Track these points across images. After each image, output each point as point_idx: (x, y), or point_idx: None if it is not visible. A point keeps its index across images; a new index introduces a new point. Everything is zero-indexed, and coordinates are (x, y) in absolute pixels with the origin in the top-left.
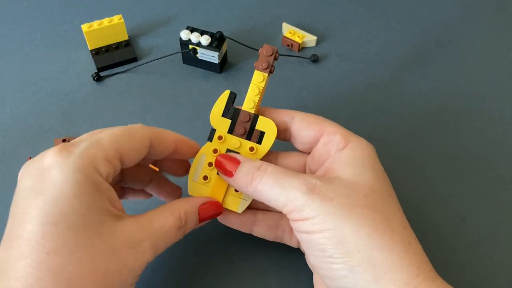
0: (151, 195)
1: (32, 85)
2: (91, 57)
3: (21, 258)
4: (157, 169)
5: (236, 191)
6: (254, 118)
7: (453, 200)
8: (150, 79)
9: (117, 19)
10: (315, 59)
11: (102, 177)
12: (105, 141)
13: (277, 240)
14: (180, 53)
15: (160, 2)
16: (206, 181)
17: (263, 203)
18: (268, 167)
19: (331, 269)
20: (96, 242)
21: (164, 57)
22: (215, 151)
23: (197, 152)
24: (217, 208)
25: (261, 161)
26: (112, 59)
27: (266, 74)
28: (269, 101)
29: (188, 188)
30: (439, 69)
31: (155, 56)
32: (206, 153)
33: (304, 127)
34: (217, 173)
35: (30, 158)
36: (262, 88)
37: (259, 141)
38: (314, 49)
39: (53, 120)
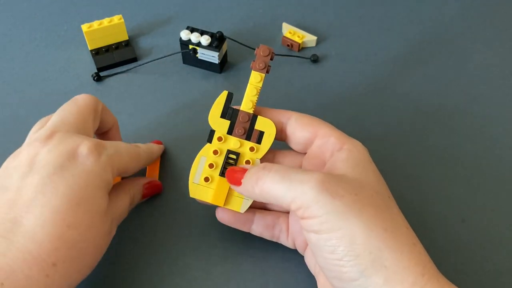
0: None
1: (32, 85)
2: (91, 57)
3: (44, 226)
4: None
5: None
6: (253, 118)
7: (453, 200)
8: (150, 79)
9: (117, 19)
10: (315, 59)
11: (112, 177)
12: (123, 156)
13: (274, 240)
14: (180, 53)
15: (160, 2)
16: (208, 182)
17: (261, 202)
18: (274, 166)
19: (341, 271)
20: (101, 226)
21: (164, 57)
22: (215, 152)
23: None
24: (157, 187)
25: (265, 162)
26: (112, 59)
27: (264, 75)
28: (270, 101)
29: (189, 190)
30: (439, 69)
31: (155, 56)
32: (206, 155)
33: (299, 128)
34: (219, 174)
35: None
36: (260, 88)
37: (259, 141)
38: (314, 49)
39: None
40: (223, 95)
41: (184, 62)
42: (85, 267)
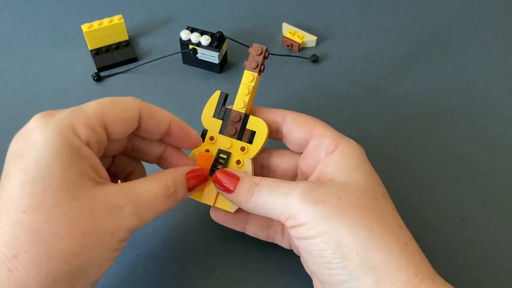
0: None
1: (32, 85)
2: (91, 57)
3: (2, 217)
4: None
5: None
6: (244, 118)
7: (453, 200)
8: (150, 79)
9: (117, 19)
10: (315, 59)
11: (83, 142)
12: (89, 108)
13: (269, 240)
14: (180, 53)
15: (160, 2)
16: None
17: None
18: (265, 180)
19: (331, 274)
20: (73, 203)
21: (164, 57)
22: (206, 151)
23: (197, 143)
24: (203, 175)
25: (259, 177)
26: (112, 59)
27: (256, 74)
28: (270, 101)
29: None
30: (439, 69)
31: (155, 56)
32: (198, 154)
33: (295, 128)
34: (210, 174)
35: None
36: (252, 87)
37: (250, 141)
38: (314, 49)
39: None
40: (216, 95)
41: (184, 62)
42: (65, 253)
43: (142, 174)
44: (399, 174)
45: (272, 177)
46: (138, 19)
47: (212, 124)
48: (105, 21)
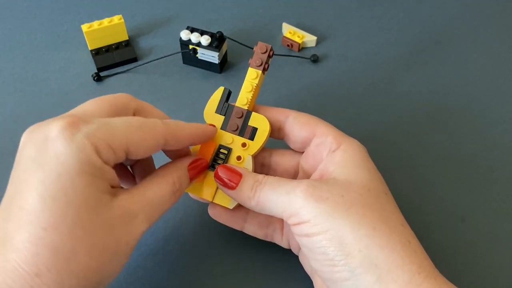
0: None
1: (32, 85)
2: (91, 57)
3: (21, 231)
4: None
5: None
6: (247, 114)
7: (453, 200)
8: (150, 79)
9: (117, 19)
10: (315, 59)
11: (104, 162)
12: (117, 128)
13: (268, 239)
14: (180, 53)
15: (160, 2)
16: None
17: None
18: (267, 179)
19: (333, 271)
20: (94, 219)
21: (164, 57)
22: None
23: (212, 135)
24: (203, 164)
25: (261, 175)
26: (112, 59)
27: (260, 71)
28: (269, 101)
29: None
30: (439, 69)
31: (155, 56)
32: (198, 149)
33: (297, 127)
34: (209, 168)
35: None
36: (255, 85)
37: (252, 137)
38: (314, 49)
39: None
40: (219, 91)
41: (184, 62)
42: (86, 271)
43: (149, 160)
44: (399, 174)
45: (273, 175)
46: (138, 19)
47: (214, 120)
48: (105, 21)
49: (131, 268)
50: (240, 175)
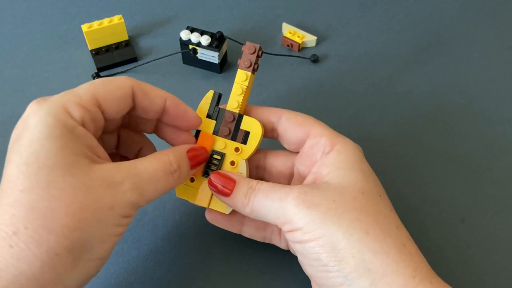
0: None
1: (32, 85)
2: (91, 57)
3: (2, 198)
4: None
5: None
6: (238, 118)
7: (452, 200)
8: (150, 79)
9: (117, 19)
10: (315, 59)
11: (77, 122)
12: (81, 89)
13: (266, 241)
14: (180, 53)
15: (160, 2)
16: (194, 182)
17: None
18: (261, 185)
19: (328, 277)
20: (69, 179)
21: (164, 57)
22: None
23: (196, 122)
24: (204, 153)
25: (255, 180)
26: (112, 59)
27: (249, 73)
28: (270, 101)
29: (176, 190)
30: (439, 69)
31: (155, 56)
32: (200, 133)
33: (291, 127)
34: (202, 175)
35: None
36: (245, 87)
37: (244, 141)
38: (314, 49)
39: None
40: (209, 95)
41: (184, 62)
42: (63, 227)
43: (152, 150)
44: (399, 174)
45: (268, 177)
46: (138, 19)
47: (206, 124)
48: (105, 21)
49: (131, 268)
50: (234, 182)
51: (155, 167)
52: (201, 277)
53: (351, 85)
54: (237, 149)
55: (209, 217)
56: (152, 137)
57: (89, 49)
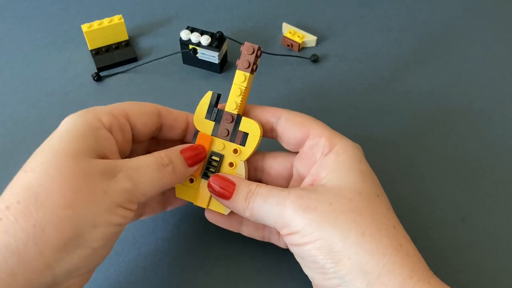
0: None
1: (32, 85)
2: (91, 57)
3: (12, 181)
4: None
5: None
6: (237, 119)
7: (453, 200)
8: (150, 79)
9: (117, 19)
10: (315, 59)
11: (104, 126)
12: (112, 105)
13: (265, 240)
14: (180, 53)
15: (160, 2)
16: (193, 183)
17: None
18: (259, 188)
19: (324, 279)
20: (70, 163)
21: (164, 57)
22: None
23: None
24: (198, 149)
25: (254, 183)
26: (112, 59)
27: (248, 74)
28: (269, 101)
29: (176, 190)
30: (439, 69)
31: (155, 56)
32: (198, 133)
33: (290, 128)
34: (201, 176)
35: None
36: (244, 88)
37: (243, 143)
38: (314, 49)
39: (53, 120)
40: (208, 95)
41: (184, 62)
42: (54, 206)
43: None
44: (399, 174)
45: (267, 179)
46: (138, 19)
47: (204, 126)
48: (105, 21)
49: (131, 268)
50: (234, 184)
51: (149, 160)
52: (201, 277)
53: (351, 85)
54: (235, 151)
55: (208, 216)
56: None
57: (89, 49)
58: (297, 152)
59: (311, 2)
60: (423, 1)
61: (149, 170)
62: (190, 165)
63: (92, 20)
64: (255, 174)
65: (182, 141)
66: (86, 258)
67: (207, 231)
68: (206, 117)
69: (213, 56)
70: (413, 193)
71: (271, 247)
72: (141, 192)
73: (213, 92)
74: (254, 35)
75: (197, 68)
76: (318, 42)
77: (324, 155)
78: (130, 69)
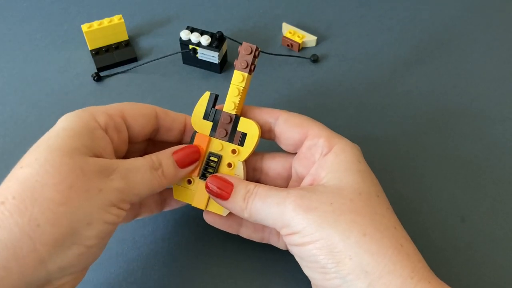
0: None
1: (32, 85)
2: (91, 57)
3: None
4: None
5: None
6: (235, 120)
7: (453, 200)
8: (150, 79)
9: (117, 19)
10: (315, 59)
11: (100, 126)
12: (110, 105)
13: (264, 242)
14: (180, 53)
15: (160, 2)
16: (191, 184)
17: None
18: (258, 188)
19: (325, 279)
20: (66, 160)
21: (164, 57)
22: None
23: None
24: (191, 148)
25: (252, 184)
26: (112, 59)
27: (246, 74)
28: (269, 101)
29: (173, 192)
30: (439, 69)
31: (155, 56)
32: (196, 134)
33: (288, 129)
34: (199, 177)
35: None
36: (242, 88)
37: (241, 143)
38: (314, 49)
39: (53, 120)
40: (205, 96)
41: (184, 62)
42: (49, 201)
43: None
44: (399, 174)
45: (265, 179)
46: (138, 19)
47: (202, 126)
48: (105, 21)
49: (131, 268)
50: (231, 185)
51: (141, 162)
52: (201, 277)
53: (351, 85)
54: (234, 151)
55: (207, 218)
56: None
57: (89, 49)
58: (296, 153)
59: (311, 2)
60: (423, 1)
61: (141, 172)
62: (182, 167)
63: (92, 20)
64: (253, 175)
65: (179, 143)
66: (80, 256)
67: (207, 231)
68: (204, 118)
69: (213, 56)
70: (413, 193)
71: (270, 247)
72: (134, 193)
73: (210, 93)
74: (254, 35)
75: (197, 68)
76: (318, 42)
77: (323, 156)
78: (130, 69)
